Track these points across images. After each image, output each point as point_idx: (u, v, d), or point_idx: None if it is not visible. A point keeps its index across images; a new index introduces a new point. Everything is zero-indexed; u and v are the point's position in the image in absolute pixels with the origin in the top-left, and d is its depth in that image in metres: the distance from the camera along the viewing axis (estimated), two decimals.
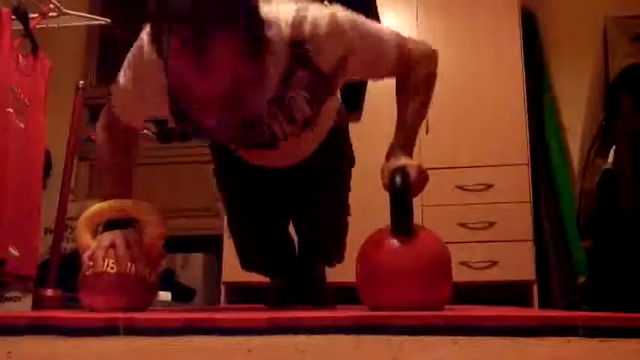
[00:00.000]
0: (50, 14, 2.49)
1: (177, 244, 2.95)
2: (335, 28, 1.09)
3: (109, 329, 0.73)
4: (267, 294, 1.73)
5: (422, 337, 0.67)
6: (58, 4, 2.51)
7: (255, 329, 0.71)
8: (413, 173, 1.11)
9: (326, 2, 1.23)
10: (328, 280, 1.80)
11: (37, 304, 2.16)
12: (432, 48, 1.27)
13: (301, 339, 0.67)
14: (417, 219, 1.12)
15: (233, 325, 0.72)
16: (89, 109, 3.56)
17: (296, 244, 1.72)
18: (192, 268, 3.29)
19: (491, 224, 2.85)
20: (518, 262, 2.78)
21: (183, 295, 3.09)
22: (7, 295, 2.16)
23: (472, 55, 3.06)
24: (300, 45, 1.08)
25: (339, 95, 1.44)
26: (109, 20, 2.84)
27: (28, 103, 2.28)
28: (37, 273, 2.28)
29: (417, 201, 1.14)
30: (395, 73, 1.24)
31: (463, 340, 0.65)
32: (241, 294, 3.14)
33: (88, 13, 2.95)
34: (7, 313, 1.33)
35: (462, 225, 2.87)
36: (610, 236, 1.87)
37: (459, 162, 2.95)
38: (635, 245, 1.73)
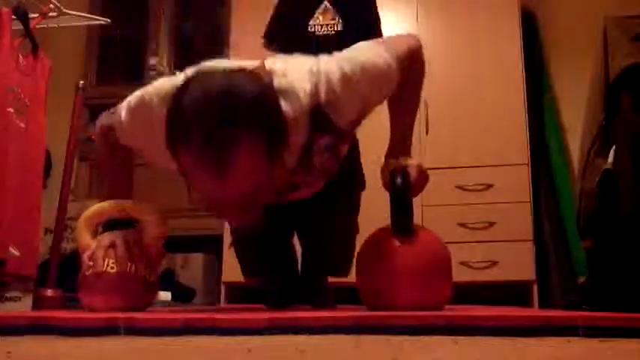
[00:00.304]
0: (50, 14, 2.49)
1: (177, 244, 2.95)
2: (348, 82, 1.05)
3: (109, 329, 0.73)
4: (267, 294, 1.73)
5: (422, 337, 0.67)
6: (58, 4, 2.51)
7: (255, 329, 0.71)
8: (413, 173, 1.11)
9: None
10: (328, 280, 1.80)
11: (37, 304, 2.16)
12: (417, 41, 1.20)
13: (301, 339, 0.67)
14: (417, 219, 1.12)
15: (233, 325, 0.72)
16: (89, 109, 3.56)
17: (299, 255, 1.71)
18: (192, 268, 3.29)
19: (491, 224, 2.85)
20: (518, 262, 2.78)
21: (183, 295, 3.09)
22: (7, 295, 2.16)
23: (472, 55, 3.06)
24: (319, 109, 1.05)
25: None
26: (109, 20, 2.84)
27: (28, 103, 2.28)
28: (37, 273, 2.28)
29: (417, 201, 1.14)
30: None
31: (463, 340, 0.65)
32: (241, 294, 3.14)
33: (88, 13, 2.95)
34: (7, 313, 1.33)
35: (462, 225, 2.87)
36: (610, 236, 1.87)
37: (459, 162, 2.95)
38: (635, 245, 1.73)
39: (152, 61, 3.74)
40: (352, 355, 0.58)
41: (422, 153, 2.82)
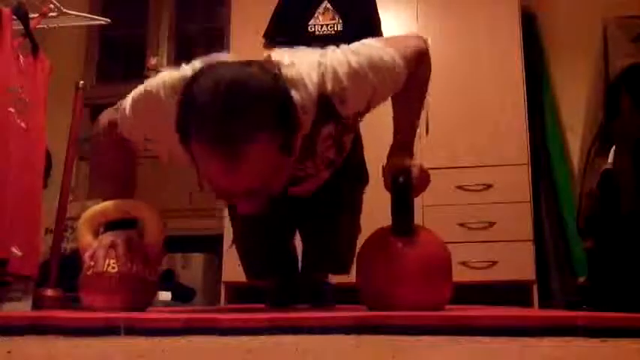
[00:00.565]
0: (50, 14, 2.50)
1: (177, 244, 2.95)
2: (355, 74, 1.06)
3: (109, 329, 0.73)
4: (267, 294, 1.73)
5: (422, 337, 0.67)
6: (58, 4, 2.51)
7: (255, 329, 0.71)
8: (415, 173, 1.11)
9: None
10: (329, 279, 1.80)
11: (37, 304, 2.16)
12: (424, 43, 1.22)
13: (301, 339, 0.67)
14: (417, 219, 1.12)
15: (233, 325, 0.72)
16: (89, 109, 3.56)
17: (299, 255, 1.71)
18: (192, 268, 3.30)
19: (491, 224, 2.85)
20: (518, 262, 2.79)
21: (183, 295, 3.09)
22: (8, 294, 2.16)
23: (472, 55, 3.06)
24: (326, 99, 1.06)
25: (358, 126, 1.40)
26: (109, 20, 2.84)
27: (28, 103, 2.28)
28: (38, 273, 2.28)
29: (417, 201, 1.14)
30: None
31: (463, 340, 0.65)
32: (241, 294, 3.14)
33: (88, 13, 2.95)
34: (7, 313, 1.33)
35: (462, 225, 2.87)
36: (610, 236, 1.87)
37: (459, 162, 2.95)
38: (635, 245, 1.73)
39: (152, 61, 3.74)
40: (352, 355, 0.58)
41: (422, 153, 2.82)
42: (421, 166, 1.14)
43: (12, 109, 2.18)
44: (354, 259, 1.58)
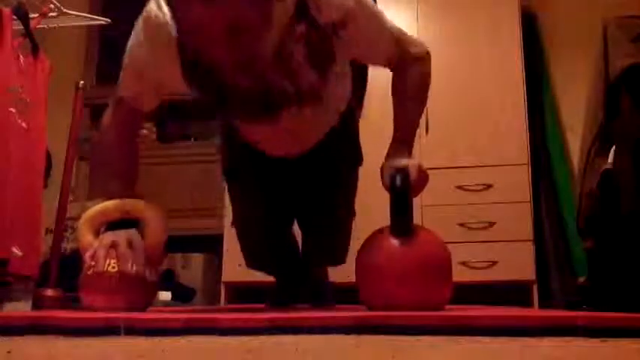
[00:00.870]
0: (50, 14, 2.50)
1: (177, 244, 2.95)
2: None
3: (109, 329, 0.73)
4: (268, 293, 1.73)
5: (422, 337, 0.67)
6: (58, 4, 2.51)
7: (255, 329, 0.71)
8: (413, 173, 1.11)
9: None
10: (329, 278, 1.80)
11: (37, 304, 2.16)
12: (427, 49, 1.27)
13: (301, 339, 0.67)
14: (417, 219, 1.12)
15: (233, 325, 0.72)
16: (89, 109, 3.56)
17: (299, 245, 1.73)
18: (192, 268, 3.30)
19: (491, 224, 2.85)
20: (518, 262, 2.79)
21: (183, 295, 3.09)
22: (9, 294, 2.16)
23: (472, 55, 3.06)
24: (304, 2, 1.09)
25: (349, 84, 1.42)
26: (109, 20, 2.84)
27: (29, 103, 2.28)
28: (38, 273, 2.28)
29: (417, 201, 1.14)
30: (393, 60, 1.23)
31: (463, 340, 0.65)
32: (241, 294, 3.14)
33: (88, 13, 2.96)
34: (7, 313, 1.33)
35: (462, 225, 2.87)
36: (610, 236, 1.87)
37: (459, 162, 2.95)
38: (635, 245, 1.73)
39: None
40: (352, 355, 0.58)
41: (422, 153, 2.83)
42: (420, 166, 1.14)
43: (13, 109, 2.18)
44: (350, 247, 1.64)
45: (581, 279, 2.44)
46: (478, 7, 3.12)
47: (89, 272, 1.07)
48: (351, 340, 0.66)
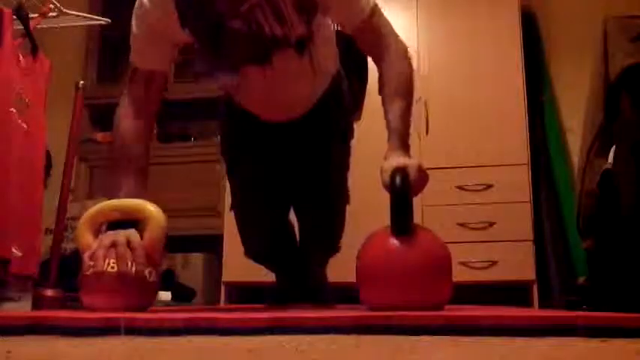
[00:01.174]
0: (50, 14, 2.49)
1: (177, 244, 2.96)
2: None
3: (109, 329, 0.73)
4: (268, 293, 1.74)
5: (422, 337, 0.67)
6: (58, 4, 2.51)
7: (255, 329, 0.71)
8: (413, 173, 1.11)
9: None
10: (328, 280, 1.80)
11: (37, 304, 2.16)
12: (405, 45, 1.32)
13: (301, 339, 0.67)
14: (417, 219, 1.12)
15: (233, 325, 0.72)
16: (89, 109, 3.56)
17: (296, 234, 1.74)
18: (192, 268, 3.30)
19: (491, 224, 2.85)
20: (518, 262, 2.79)
21: (183, 295, 3.09)
22: (8, 295, 2.16)
23: (472, 55, 3.06)
24: None
25: (335, 50, 1.50)
26: (109, 20, 2.84)
27: (29, 103, 2.28)
28: (38, 273, 2.28)
29: (417, 201, 1.14)
30: (366, 32, 1.28)
31: (463, 340, 0.65)
32: (241, 294, 3.14)
33: (88, 13, 2.95)
34: (7, 313, 1.33)
35: (462, 225, 2.87)
36: (610, 236, 1.87)
37: (459, 162, 2.95)
38: (635, 245, 1.73)
39: None
40: (352, 355, 0.58)
41: (422, 153, 2.83)
42: (419, 166, 1.14)
43: (13, 110, 2.18)
44: (342, 235, 1.70)
45: (581, 279, 2.44)
46: (478, 7, 3.12)
47: (88, 272, 1.07)
48: (351, 340, 0.66)
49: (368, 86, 1.73)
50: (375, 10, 1.27)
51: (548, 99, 3.21)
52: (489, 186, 2.90)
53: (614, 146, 1.86)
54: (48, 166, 2.87)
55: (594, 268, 2.06)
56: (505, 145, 2.93)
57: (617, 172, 1.81)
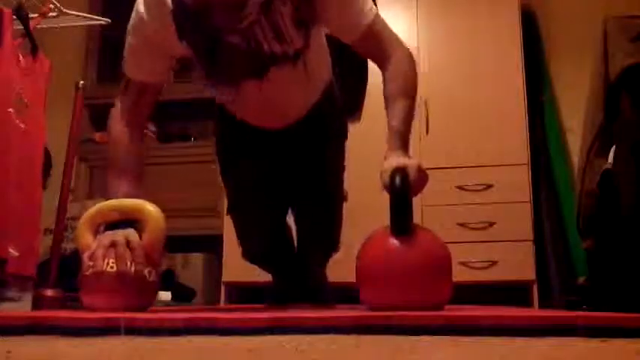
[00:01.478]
0: (50, 14, 2.49)
1: (177, 244, 2.96)
2: None
3: (109, 329, 0.73)
4: (267, 293, 1.74)
5: (422, 337, 0.67)
6: (58, 4, 2.51)
7: (255, 329, 0.71)
8: (412, 173, 1.11)
9: None
10: (328, 280, 1.80)
11: (37, 304, 2.16)
12: (409, 49, 1.31)
13: (301, 339, 0.67)
14: (417, 219, 1.11)
15: (233, 325, 0.72)
16: (89, 109, 3.56)
17: (294, 236, 1.74)
18: (192, 268, 3.30)
19: (491, 224, 2.85)
20: (518, 262, 2.79)
21: (183, 295, 3.09)
22: (7, 295, 2.15)
23: (472, 55, 3.06)
24: None
25: (328, 58, 1.49)
26: (109, 20, 2.84)
27: (28, 103, 2.28)
28: (37, 273, 2.28)
29: (417, 201, 1.14)
30: (368, 39, 1.26)
31: (463, 340, 0.65)
32: (241, 294, 3.14)
33: (88, 13, 2.95)
34: (7, 313, 1.33)
35: (462, 225, 2.87)
36: (610, 236, 1.87)
37: (459, 162, 2.95)
38: (635, 245, 1.73)
39: None
40: (352, 355, 0.58)
41: (422, 153, 2.83)
42: (419, 166, 1.14)
43: (11, 110, 2.18)
44: (340, 233, 1.70)
45: (581, 279, 2.44)
46: (478, 7, 3.12)
47: (88, 272, 1.07)
48: (351, 340, 0.66)
49: (368, 86, 1.72)
50: (377, 16, 1.26)
51: (548, 99, 3.21)
52: (489, 186, 2.90)
53: (614, 146, 1.86)
54: (48, 166, 2.87)
55: (594, 268, 2.06)
56: (505, 145, 2.93)
57: (617, 172, 1.81)
